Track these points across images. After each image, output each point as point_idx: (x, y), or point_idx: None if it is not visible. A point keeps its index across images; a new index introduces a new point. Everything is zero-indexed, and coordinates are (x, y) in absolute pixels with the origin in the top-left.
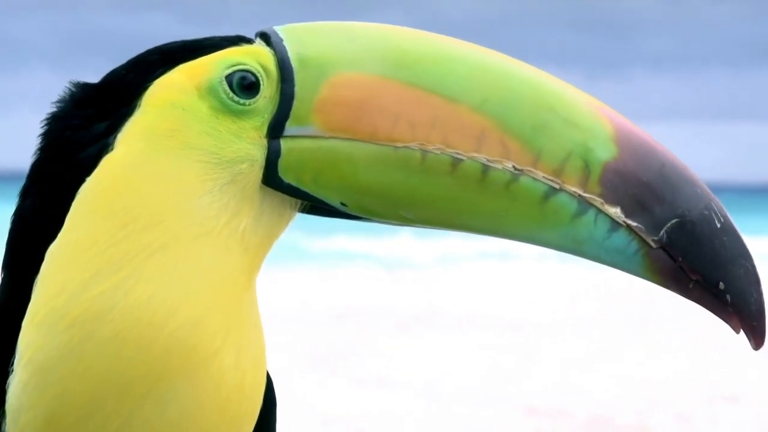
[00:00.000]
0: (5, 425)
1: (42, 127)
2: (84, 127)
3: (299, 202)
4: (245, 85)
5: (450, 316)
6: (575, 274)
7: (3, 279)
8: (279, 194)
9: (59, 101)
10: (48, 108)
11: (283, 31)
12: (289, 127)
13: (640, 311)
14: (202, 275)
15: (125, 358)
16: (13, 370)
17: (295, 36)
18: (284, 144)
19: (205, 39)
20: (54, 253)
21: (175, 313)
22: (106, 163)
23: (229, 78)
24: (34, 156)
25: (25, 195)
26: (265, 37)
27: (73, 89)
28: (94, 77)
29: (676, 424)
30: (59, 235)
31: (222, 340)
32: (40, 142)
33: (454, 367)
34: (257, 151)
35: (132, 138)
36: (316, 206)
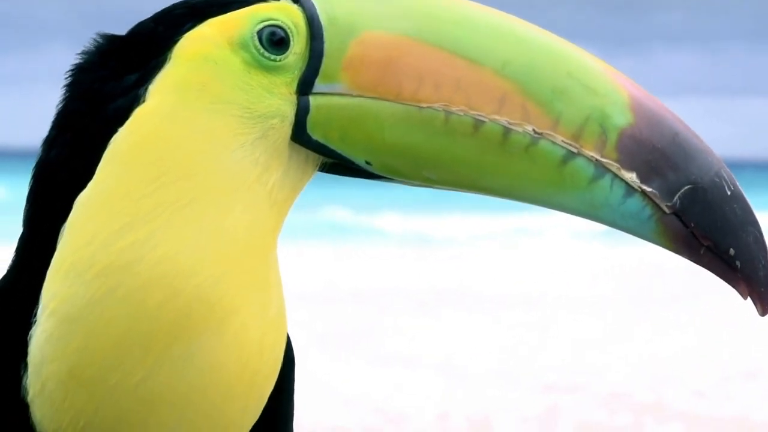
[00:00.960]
0: (27, 379)
1: (67, 77)
2: (113, 78)
3: (320, 160)
4: (275, 40)
5: (467, 295)
6: (590, 252)
7: (25, 231)
8: (304, 151)
9: (84, 53)
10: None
11: None
12: (318, 84)
13: (655, 289)
14: (229, 230)
15: (149, 309)
16: (35, 321)
17: None
18: (313, 101)
19: None
20: (83, 202)
21: (201, 267)
22: (139, 115)
23: (259, 33)
24: (59, 106)
25: (51, 145)
26: None
27: (100, 41)
28: None
29: (694, 400)
30: (89, 185)
31: (245, 296)
32: (66, 93)
33: (471, 345)
34: (288, 107)
35: (164, 90)
36: (336, 165)
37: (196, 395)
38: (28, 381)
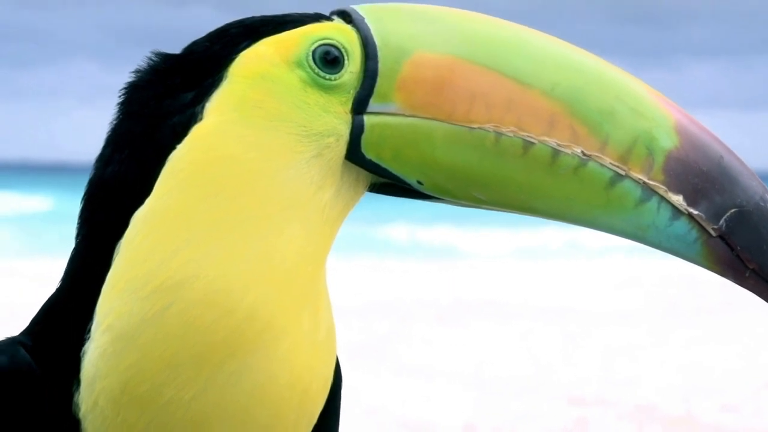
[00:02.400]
0: (79, 395)
1: (121, 95)
2: (169, 96)
3: (370, 180)
4: (329, 59)
5: (493, 307)
6: (617, 264)
7: (78, 247)
8: (355, 170)
9: (138, 71)
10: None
11: (362, 10)
12: (373, 104)
13: (684, 301)
14: (282, 249)
15: (204, 326)
16: (89, 338)
17: (375, 15)
18: (368, 120)
19: (287, 15)
20: (141, 219)
21: (255, 285)
22: (197, 132)
23: (313, 52)
24: (114, 124)
25: (107, 162)
26: (344, 15)
27: (154, 59)
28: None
29: (723, 413)
30: (147, 202)
31: (296, 316)
32: (120, 110)
33: (497, 357)
34: (343, 125)
35: (222, 108)
36: (387, 185)
37: (246, 413)
38: (80, 397)
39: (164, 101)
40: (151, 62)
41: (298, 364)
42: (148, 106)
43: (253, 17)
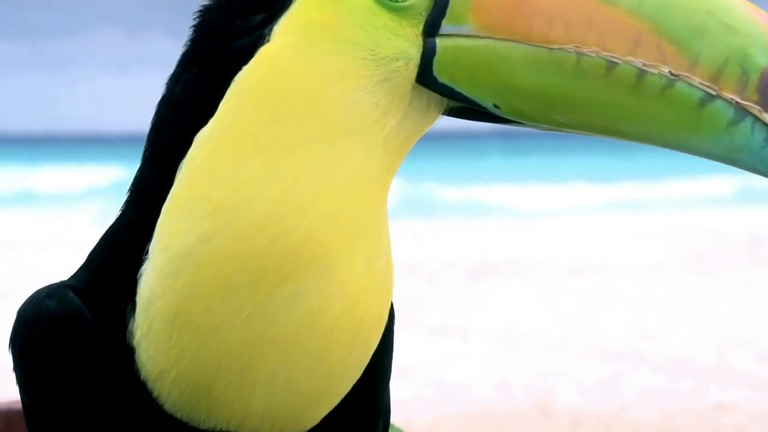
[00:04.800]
0: (133, 322)
1: (195, 17)
2: (240, 17)
3: (445, 104)
4: None
5: (520, 264)
6: (643, 219)
7: (143, 167)
8: (427, 94)
9: None
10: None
11: None
12: (445, 26)
13: (710, 254)
14: (343, 172)
15: (261, 246)
16: (146, 259)
17: None
18: (440, 42)
19: None
20: (204, 139)
21: (314, 207)
22: (263, 54)
23: None
24: (186, 45)
25: (175, 82)
26: None
27: None
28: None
29: (758, 364)
30: (211, 122)
31: (353, 243)
32: (193, 33)
33: (526, 315)
34: (413, 48)
35: (289, 31)
36: (463, 109)
37: (298, 340)
38: (134, 324)
39: (234, 23)
40: None
41: (353, 294)
42: (218, 28)
43: None
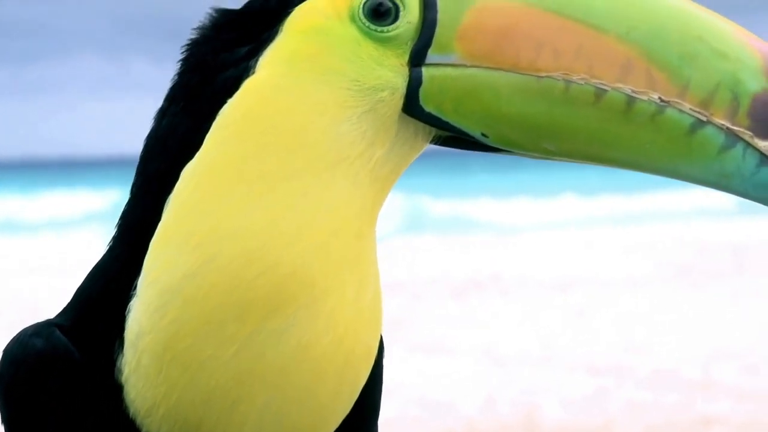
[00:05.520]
0: (122, 358)
1: (183, 51)
2: (226, 50)
3: (431, 133)
4: (382, 11)
5: (504, 280)
6: (625, 232)
7: (132, 200)
8: (414, 124)
9: (200, 28)
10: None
11: None
12: (432, 55)
13: (694, 266)
14: (330, 204)
15: (248, 279)
16: (134, 294)
17: None
18: (426, 72)
19: None
20: (190, 172)
21: (301, 238)
22: (248, 85)
23: (363, 5)
24: (173, 79)
25: (162, 115)
26: None
27: (215, 15)
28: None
29: (743, 376)
30: (197, 155)
31: (341, 275)
32: (180, 66)
33: (511, 331)
34: (399, 78)
35: (274, 62)
36: (451, 138)
37: (286, 373)
38: (123, 360)
39: (220, 55)
40: (212, 18)
41: (341, 326)
42: (205, 61)
43: None
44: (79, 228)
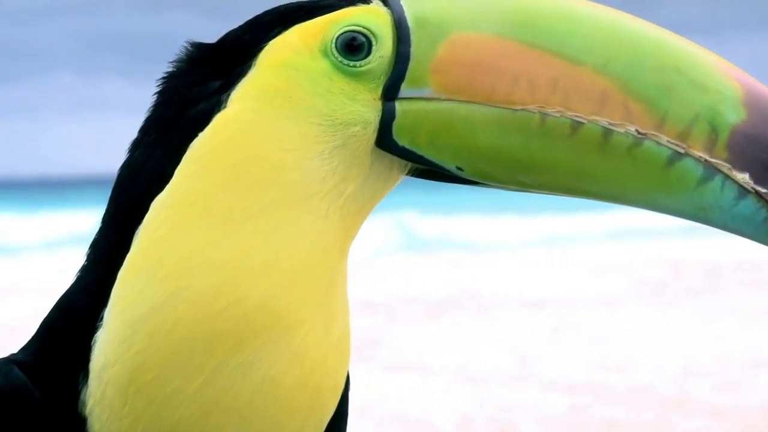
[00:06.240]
0: (86, 390)
1: (158, 84)
2: (199, 83)
3: (407, 166)
4: (355, 45)
5: (478, 299)
6: (599, 250)
7: (102, 230)
8: (388, 158)
9: (176, 61)
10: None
11: None
12: (405, 89)
13: (667, 284)
14: (300, 238)
15: (215, 311)
16: (101, 325)
17: None
18: (399, 106)
19: (322, 0)
20: (159, 204)
21: (270, 272)
22: (219, 120)
23: (336, 39)
24: (148, 111)
25: (135, 147)
26: None
27: (190, 49)
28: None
29: (717, 393)
30: (167, 188)
31: (309, 310)
32: (156, 100)
33: (486, 349)
34: (371, 113)
35: (246, 97)
36: (426, 170)
37: (253, 407)
38: (87, 392)
39: (193, 89)
40: (188, 52)
41: (309, 360)
42: (179, 94)
43: (288, 4)
44: (55, 249)
